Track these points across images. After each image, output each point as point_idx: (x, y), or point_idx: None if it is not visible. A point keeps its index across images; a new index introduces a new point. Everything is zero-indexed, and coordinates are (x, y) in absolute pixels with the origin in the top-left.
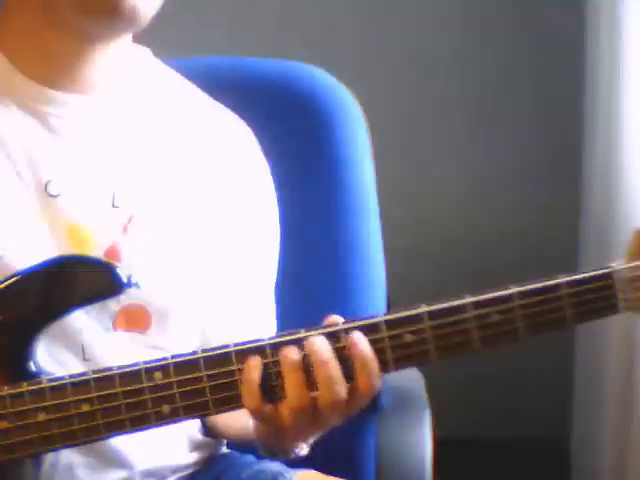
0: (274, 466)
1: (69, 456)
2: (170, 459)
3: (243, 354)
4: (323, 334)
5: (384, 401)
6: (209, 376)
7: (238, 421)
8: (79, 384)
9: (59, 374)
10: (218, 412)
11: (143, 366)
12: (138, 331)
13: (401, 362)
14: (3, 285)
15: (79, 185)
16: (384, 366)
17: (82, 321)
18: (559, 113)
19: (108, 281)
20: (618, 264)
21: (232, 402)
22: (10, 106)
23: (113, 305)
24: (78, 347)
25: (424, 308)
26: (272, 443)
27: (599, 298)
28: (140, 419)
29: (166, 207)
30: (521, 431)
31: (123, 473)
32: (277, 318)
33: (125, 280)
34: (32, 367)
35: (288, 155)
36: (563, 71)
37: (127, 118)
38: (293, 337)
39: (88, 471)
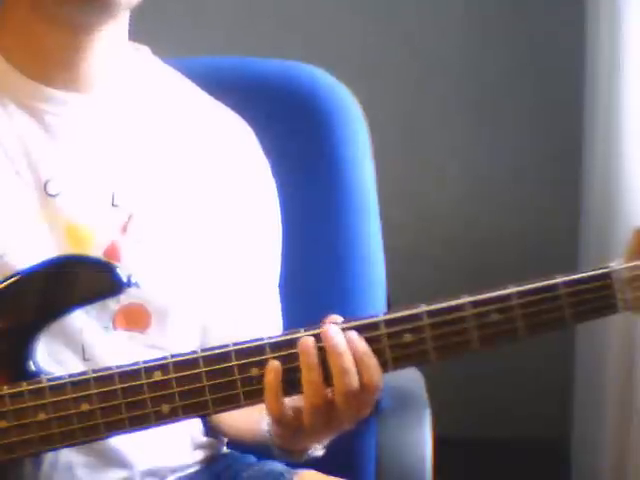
0: (274, 466)
1: (68, 456)
2: (170, 459)
3: (242, 354)
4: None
5: (384, 401)
6: (208, 376)
7: (241, 421)
8: (79, 383)
9: (59, 374)
10: (217, 412)
11: (143, 365)
12: (138, 330)
13: (400, 362)
14: (3, 285)
15: (78, 184)
16: (383, 366)
17: (82, 321)
18: (559, 114)
19: (108, 281)
20: (617, 264)
21: (231, 402)
22: (8, 105)
23: (113, 304)
24: (78, 347)
25: (423, 307)
26: (288, 444)
27: (597, 298)
28: (139, 418)
29: (166, 206)
30: (521, 431)
31: (123, 473)
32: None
33: (125, 280)
34: (32, 367)
35: (288, 155)
36: (563, 72)
37: (126, 116)
38: (293, 337)
39: (87, 471)
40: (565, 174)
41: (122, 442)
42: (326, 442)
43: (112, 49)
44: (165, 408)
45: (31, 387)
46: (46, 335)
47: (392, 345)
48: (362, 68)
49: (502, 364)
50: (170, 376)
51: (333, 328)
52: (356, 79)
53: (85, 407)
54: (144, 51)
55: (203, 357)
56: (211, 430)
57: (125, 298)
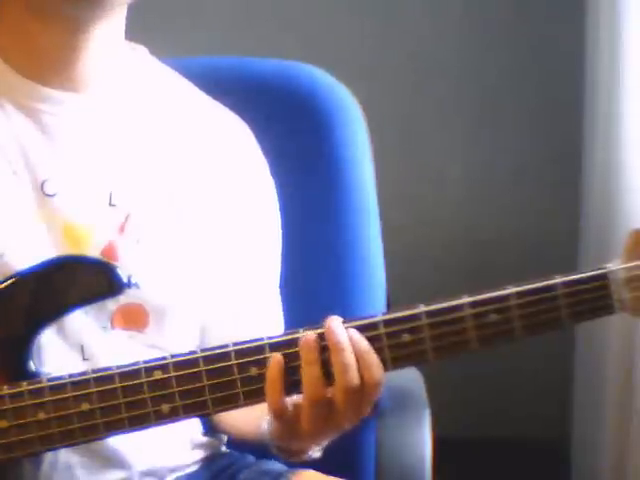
0: (274, 466)
1: (68, 456)
2: (169, 459)
3: (242, 354)
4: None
5: (384, 401)
6: (208, 375)
7: (241, 420)
8: (79, 383)
9: (58, 373)
10: (217, 411)
11: (143, 365)
12: (136, 330)
13: (399, 362)
14: (2, 285)
15: (75, 184)
16: (382, 366)
17: (80, 320)
18: (559, 116)
19: (108, 281)
20: (614, 264)
21: (231, 401)
22: (5, 105)
23: (110, 304)
24: (77, 347)
25: (422, 308)
26: (287, 444)
27: (595, 298)
28: (139, 418)
29: (163, 206)
30: (521, 431)
31: (122, 473)
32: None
33: (125, 280)
34: (32, 367)
35: (287, 155)
36: (563, 74)
37: (123, 116)
38: (293, 337)
39: (87, 471)
40: (565, 176)
41: (121, 442)
42: (324, 444)
43: (108, 48)
44: (165, 408)
45: (31, 387)
46: (46, 335)
47: (391, 345)
48: (362, 69)
49: (502, 364)
50: (170, 375)
51: (336, 323)
52: (355, 80)
53: (85, 406)
54: (141, 51)
55: (203, 357)
56: (210, 429)
57: (123, 298)
